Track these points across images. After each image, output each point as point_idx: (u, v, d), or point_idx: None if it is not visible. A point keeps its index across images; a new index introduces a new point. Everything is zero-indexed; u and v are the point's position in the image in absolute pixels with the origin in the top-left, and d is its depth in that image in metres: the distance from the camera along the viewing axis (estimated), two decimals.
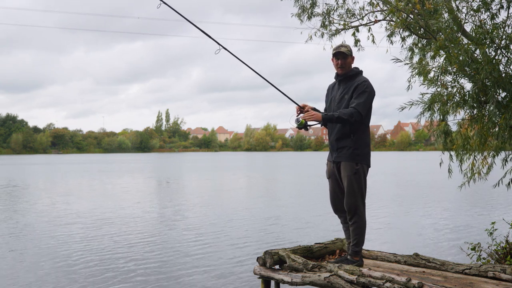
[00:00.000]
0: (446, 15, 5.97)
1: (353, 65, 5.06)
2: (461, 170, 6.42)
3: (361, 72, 5.01)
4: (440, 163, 6.43)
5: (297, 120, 5.06)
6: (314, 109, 5.14)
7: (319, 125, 5.27)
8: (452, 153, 6.38)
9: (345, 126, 4.84)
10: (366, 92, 4.79)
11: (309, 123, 5.13)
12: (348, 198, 4.87)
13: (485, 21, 5.85)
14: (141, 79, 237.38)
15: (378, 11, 7.75)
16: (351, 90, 4.85)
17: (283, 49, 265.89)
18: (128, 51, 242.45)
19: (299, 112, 5.10)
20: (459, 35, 5.96)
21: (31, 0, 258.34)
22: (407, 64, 6.14)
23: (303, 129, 5.14)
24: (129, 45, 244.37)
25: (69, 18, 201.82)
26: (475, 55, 5.63)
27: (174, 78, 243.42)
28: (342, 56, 4.94)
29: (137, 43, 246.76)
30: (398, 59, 6.05)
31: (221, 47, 5.20)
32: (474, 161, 6.41)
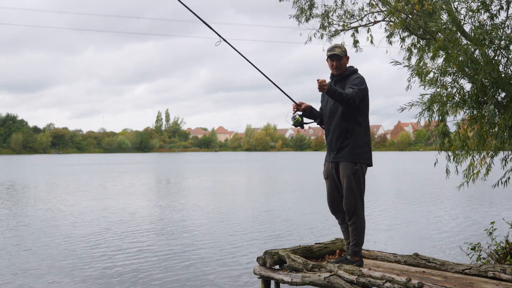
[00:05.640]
0: (445, 16, 5.98)
1: (353, 64, 5.07)
2: (457, 171, 6.43)
3: (355, 70, 5.01)
4: (435, 163, 6.45)
5: (294, 118, 5.06)
6: (311, 108, 5.14)
7: (316, 124, 5.28)
8: (450, 153, 6.40)
9: (341, 123, 4.83)
10: (359, 84, 4.80)
11: (305, 120, 5.14)
12: (347, 199, 4.87)
13: (484, 21, 5.86)
14: (148, 79, 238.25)
15: (377, 11, 7.77)
16: (346, 87, 4.85)
17: (291, 49, 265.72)
18: (138, 52, 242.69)
19: (295, 109, 5.09)
20: (459, 35, 5.97)
21: (45, 1, 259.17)
22: (406, 66, 6.16)
23: (299, 127, 5.13)
24: (139, 46, 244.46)
25: (81, 19, 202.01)
26: (475, 55, 5.64)
27: (181, 78, 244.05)
28: (337, 58, 4.94)
29: (148, 44, 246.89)
30: (397, 62, 6.06)
31: (221, 39, 5.21)
32: (473, 161, 6.43)
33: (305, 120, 5.14)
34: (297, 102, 5.09)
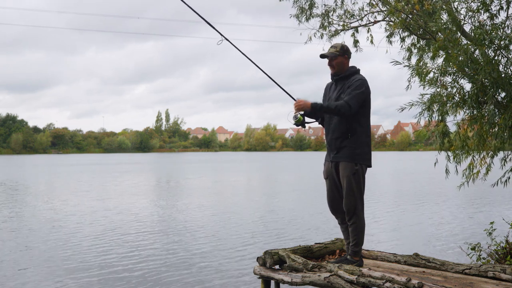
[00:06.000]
0: (445, 16, 5.98)
1: (354, 65, 5.05)
2: (457, 171, 6.43)
3: (357, 71, 4.96)
4: (435, 163, 6.46)
5: (295, 117, 5.05)
6: None
7: (317, 124, 5.26)
8: (450, 153, 6.40)
9: (341, 123, 4.83)
10: (358, 87, 4.76)
11: (306, 120, 5.12)
12: (347, 199, 4.86)
13: (484, 21, 5.86)
14: (149, 79, 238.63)
15: (377, 11, 7.77)
16: (346, 88, 4.84)
17: (291, 49, 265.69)
18: (138, 52, 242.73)
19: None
20: (459, 35, 5.97)
21: (45, 1, 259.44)
22: (406, 66, 6.16)
23: (300, 126, 5.12)
24: (140, 46, 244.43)
25: (81, 19, 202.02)
26: (475, 55, 5.64)
27: (181, 78, 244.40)
28: (329, 58, 4.97)
29: (148, 44, 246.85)
30: (397, 61, 6.06)
31: (223, 38, 5.22)
32: (473, 161, 6.43)
33: (307, 119, 5.12)
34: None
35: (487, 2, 5.76)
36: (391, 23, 7.48)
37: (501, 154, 6.43)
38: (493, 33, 5.55)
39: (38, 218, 13.87)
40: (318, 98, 5.17)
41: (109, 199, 18.53)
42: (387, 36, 7.73)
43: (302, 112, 5.05)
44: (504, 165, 6.33)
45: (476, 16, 5.89)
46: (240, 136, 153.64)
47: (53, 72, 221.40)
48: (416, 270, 4.74)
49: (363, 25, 7.91)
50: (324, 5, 7.97)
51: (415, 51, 7.42)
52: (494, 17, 5.80)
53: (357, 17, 7.92)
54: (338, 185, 4.99)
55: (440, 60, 6.00)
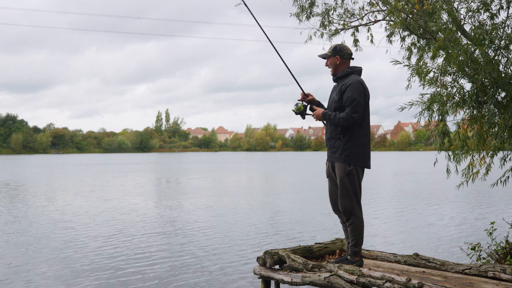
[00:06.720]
0: (445, 15, 5.97)
1: (355, 64, 5.05)
2: (457, 171, 6.43)
3: (354, 71, 4.93)
4: (435, 163, 6.46)
5: (296, 105, 5.10)
6: (319, 103, 5.17)
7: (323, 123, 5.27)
8: (450, 153, 6.40)
9: (337, 127, 4.87)
10: (351, 98, 4.74)
11: (308, 112, 5.16)
12: (342, 199, 4.86)
13: (484, 21, 5.86)
14: (150, 79, 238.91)
15: (377, 11, 7.76)
16: (340, 92, 4.86)
17: (293, 49, 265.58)
18: (140, 52, 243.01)
19: (302, 98, 5.15)
20: (459, 35, 5.97)
21: (48, 2, 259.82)
22: (406, 65, 6.16)
23: (299, 115, 5.14)
24: (141, 46, 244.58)
25: (83, 19, 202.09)
26: (475, 55, 5.63)
27: (183, 78, 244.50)
28: (325, 59, 5.08)
29: (149, 44, 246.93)
30: (397, 61, 6.06)
31: (242, 1, 5.43)
32: (472, 161, 6.43)
33: (308, 112, 5.16)
34: (305, 92, 5.15)
35: (487, 2, 5.76)
36: (391, 22, 7.47)
37: (500, 154, 6.43)
38: (493, 33, 5.54)
39: (44, 219, 13.85)
40: (319, 97, 5.21)
41: (114, 199, 18.52)
42: (387, 36, 7.73)
43: (306, 104, 5.09)
44: (504, 165, 6.33)
45: (476, 16, 5.89)
46: (240, 136, 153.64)
47: (55, 72, 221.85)
48: (416, 270, 4.74)
49: (363, 25, 7.90)
50: (325, 3, 7.96)
51: (415, 50, 7.42)
52: (494, 17, 5.79)
53: (357, 16, 7.92)
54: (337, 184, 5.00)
55: (440, 60, 6.00)
